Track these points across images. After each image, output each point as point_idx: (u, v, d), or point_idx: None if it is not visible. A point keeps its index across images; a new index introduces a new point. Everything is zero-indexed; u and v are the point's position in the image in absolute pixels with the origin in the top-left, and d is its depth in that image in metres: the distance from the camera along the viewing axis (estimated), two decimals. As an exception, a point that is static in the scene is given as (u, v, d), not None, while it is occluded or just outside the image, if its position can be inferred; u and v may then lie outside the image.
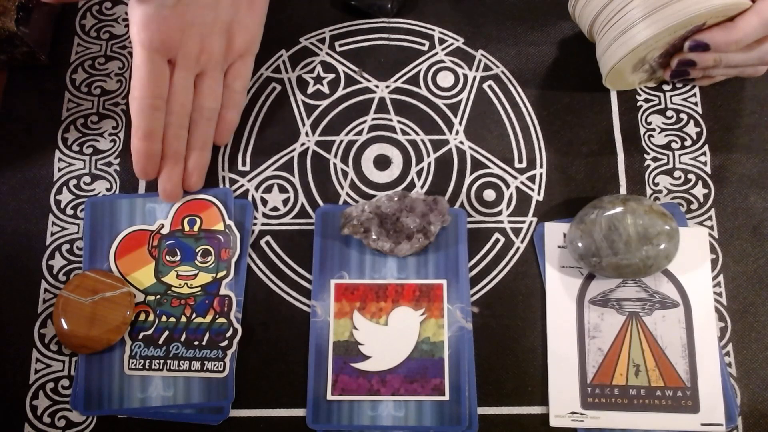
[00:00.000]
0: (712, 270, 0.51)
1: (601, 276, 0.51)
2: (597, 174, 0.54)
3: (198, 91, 0.52)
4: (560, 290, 0.51)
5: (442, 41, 0.58)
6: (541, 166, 0.54)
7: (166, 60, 0.50)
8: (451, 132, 0.55)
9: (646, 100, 0.56)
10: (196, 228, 0.52)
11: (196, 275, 0.51)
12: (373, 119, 0.56)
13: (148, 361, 0.50)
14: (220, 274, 0.51)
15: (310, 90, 0.57)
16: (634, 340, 0.50)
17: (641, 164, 0.54)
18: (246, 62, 0.54)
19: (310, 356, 0.50)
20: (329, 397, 0.49)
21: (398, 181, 0.54)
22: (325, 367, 0.50)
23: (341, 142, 0.55)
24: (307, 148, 0.55)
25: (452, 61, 0.57)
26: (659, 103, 0.56)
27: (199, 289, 0.51)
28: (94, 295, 0.49)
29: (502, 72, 0.57)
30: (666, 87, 0.56)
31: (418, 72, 0.57)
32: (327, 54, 0.58)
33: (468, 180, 0.54)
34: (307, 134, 0.55)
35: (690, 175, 0.54)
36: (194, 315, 0.50)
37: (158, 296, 0.51)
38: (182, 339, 0.50)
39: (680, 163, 0.54)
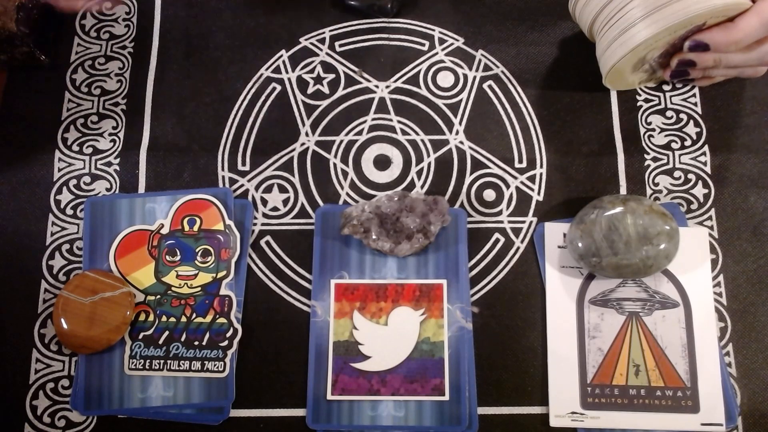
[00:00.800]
0: (712, 270, 0.51)
1: (601, 276, 0.51)
2: (597, 174, 0.54)
3: None
4: (560, 290, 0.51)
5: (442, 41, 0.58)
6: (541, 166, 0.54)
7: None
8: (451, 132, 0.55)
9: (646, 100, 0.56)
10: (196, 228, 0.52)
11: (196, 275, 0.51)
12: (373, 119, 0.56)
13: (148, 361, 0.50)
14: (220, 274, 0.51)
15: (310, 90, 0.57)
16: (634, 340, 0.50)
17: (641, 164, 0.54)
18: None
19: (310, 356, 0.50)
20: (329, 397, 0.49)
21: (398, 181, 0.54)
22: (325, 367, 0.50)
23: (341, 142, 0.55)
24: (307, 148, 0.55)
25: (452, 61, 0.57)
26: (659, 104, 0.56)
27: (199, 289, 0.51)
28: (94, 295, 0.49)
29: (502, 72, 0.57)
30: (666, 87, 0.56)
31: (418, 72, 0.57)
32: (327, 54, 0.58)
33: (468, 180, 0.54)
34: (307, 134, 0.55)
35: (690, 175, 0.54)
36: (194, 315, 0.50)
37: (158, 296, 0.51)
38: (182, 339, 0.50)
39: (680, 163, 0.54)
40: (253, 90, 0.57)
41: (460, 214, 0.53)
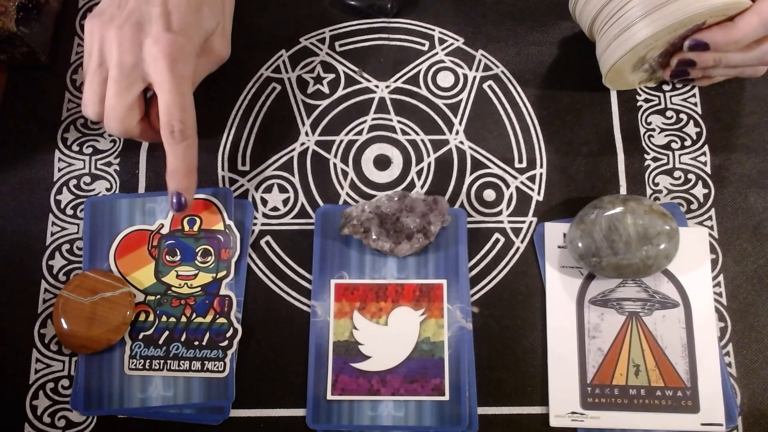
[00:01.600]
0: (712, 270, 0.51)
1: (601, 276, 0.51)
2: (597, 174, 0.54)
3: None
4: (560, 290, 0.51)
5: (442, 41, 0.58)
6: (541, 166, 0.54)
7: None
8: (451, 132, 0.55)
9: (646, 100, 0.56)
10: (195, 228, 0.52)
11: (196, 275, 0.51)
12: (373, 119, 0.56)
13: (148, 361, 0.50)
14: (220, 274, 0.51)
15: (310, 90, 0.57)
16: (634, 340, 0.50)
17: (641, 164, 0.54)
18: None
19: (310, 356, 0.50)
20: (329, 397, 0.49)
21: (398, 181, 0.54)
22: (325, 367, 0.50)
23: (341, 142, 0.55)
24: (307, 148, 0.55)
25: (452, 61, 0.57)
26: (659, 103, 0.56)
27: (199, 289, 0.51)
28: (94, 295, 0.49)
29: (502, 72, 0.57)
30: (666, 87, 0.56)
31: (418, 72, 0.57)
32: (327, 54, 0.58)
33: (468, 180, 0.54)
34: (307, 134, 0.55)
35: (690, 175, 0.54)
36: (194, 315, 0.50)
37: (158, 296, 0.51)
38: (182, 339, 0.50)
39: (680, 163, 0.54)
40: (253, 90, 0.57)
41: (460, 214, 0.53)
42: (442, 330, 0.50)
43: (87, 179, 0.54)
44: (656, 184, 0.54)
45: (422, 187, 0.54)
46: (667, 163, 0.54)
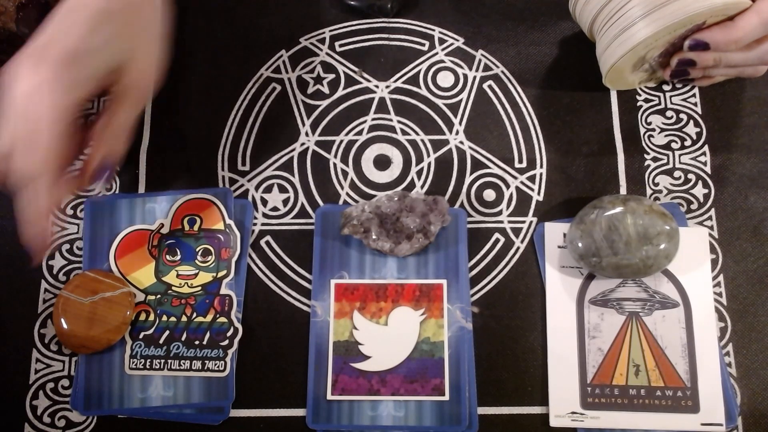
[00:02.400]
0: (712, 270, 0.51)
1: (601, 276, 0.51)
2: (597, 174, 0.54)
3: None
4: (560, 290, 0.51)
5: (442, 41, 0.58)
6: (541, 166, 0.54)
7: None
8: (451, 132, 0.55)
9: (646, 100, 0.56)
10: (196, 227, 0.52)
11: (196, 275, 0.51)
12: (373, 119, 0.56)
13: (148, 360, 0.50)
14: (220, 274, 0.51)
15: (310, 90, 0.57)
16: (634, 340, 0.50)
17: (641, 164, 0.54)
18: None
19: (310, 356, 0.50)
20: (329, 397, 0.49)
21: (398, 181, 0.54)
22: (325, 367, 0.50)
23: (341, 142, 0.55)
24: (307, 148, 0.55)
25: (452, 61, 0.57)
26: (659, 103, 0.56)
27: (199, 288, 0.51)
28: (94, 295, 0.49)
29: (502, 72, 0.57)
30: (666, 87, 0.56)
31: (418, 72, 0.57)
32: (327, 54, 0.58)
33: (468, 180, 0.54)
34: (307, 134, 0.55)
35: (690, 175, 0.54)
36: (195, 314, 0.50)
37: (158, 296, 0.51)
38: (183, 338, 0.50)
39: (680, 163, 0.54)
40: (253, 90, 0.57)
41: (460, 214, 0.53)
42: (442, 330, 0.50)
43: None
44: (656, 184, 0.54)
45: (422, 187, 0.54)
46: (667, 163, 0.54)
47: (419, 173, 0.54)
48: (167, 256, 0.52)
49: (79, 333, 0.49)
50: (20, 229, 0.44)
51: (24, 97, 0.41)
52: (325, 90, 0.57)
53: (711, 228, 0.52)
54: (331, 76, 0.57)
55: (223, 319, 0.50)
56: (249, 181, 0.54)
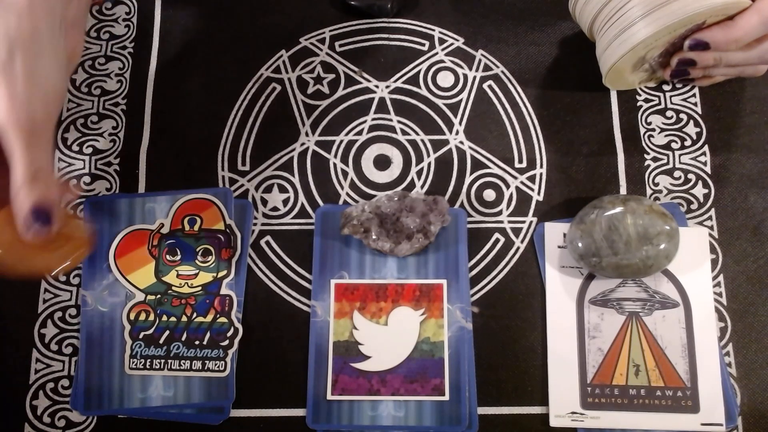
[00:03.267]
0: (712, 270, 0.51)
1: (601, 276, 0.51)
2: (597, 174, 0.54)
3: None
4: (560, 290, 0.51)
5: (442, 41, 0.58)
6: (541, 166, 0.54)
7: None
8: (451, 132, 0.55)
9: (646, 100, 0.56)
10: (196, 227, 0.52)
11: (196, 275, 0.51)
12: (373, 119, 0.56)
13: (148, 360, 0.50)
14: (220, 274, 0.51)
15: (310, 90, 0.57)
16: (634, 340, 0.50)
17: (641, 164, 0.54)
18: None
19: (310, 356, 0.50)
20: (329, 397, 0.49)
21: (398, 181, 0.54)
22: (325, 367, 0.50)
23: (341, 142, 0.55)
24: (307, 148, 0.55)
25: (452, 61, 0.57)
26: (659, 103, 0.56)
27: (199, 288, 0.51)
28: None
29: (502, 72, 0.57)
30: (666, 87, 0.56)
31: (418, 72, 0.57)
32: (327, 54, 0.58)
33: (468, 180, 0.54)
34: (307, 134, 0.55)
35: (690, 175, 0.54)
36: (195, 314, 0.50)
37: (159, 296, 0.51)
38: (183, 338, 0.50)
39: (680, 163, 0.54)
40: (253, 90, 0.57)
41: (460, 214, 0.53)
42: (442, 330, 0.50)
43: (87, 179, 0.54)
44: (656, 184, 0.54)
45: (422, 187, 0.54)
46: (667, 163, 0.54)
47: (419, 173, 0.54)
48: (167, 256, 0.52)
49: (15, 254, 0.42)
50: None
51: None
52: (325, 90, 0.57)
53: (711, 228, 0.52)
54: (331, 76, 0.57)
55: (223, 319, 0.50)
56: (249, 181, 0.54)
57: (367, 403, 0.49)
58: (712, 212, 0.53)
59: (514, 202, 0.54)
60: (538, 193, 0.54)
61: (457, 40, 0.58)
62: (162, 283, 0.51)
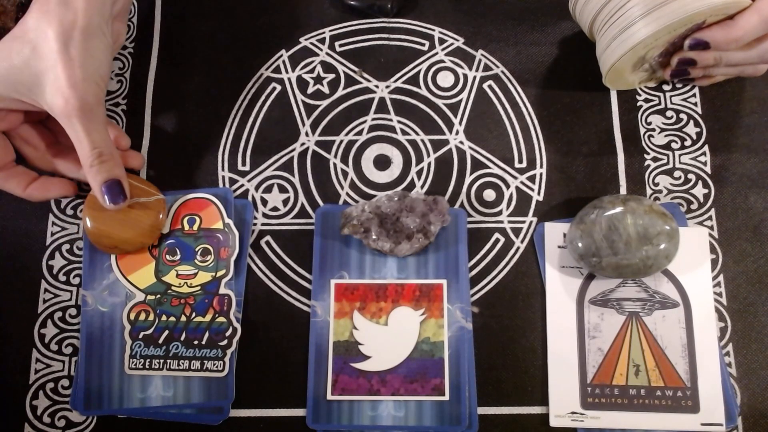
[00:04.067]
0: (712, 270, 0.51)
1: (601, 276, 0.51)
2: (597, 174, 0.54)
3: None
4: (560, 290, 0.51)
5: (442, 41, 0.58)
6: (541, 166, 0.54)
7: None
8: (451, 132, 0.55)
9: (646, 100, 0.56)
10: (195, 227, 0.52)
11: (195, 274, 0.51)
12: (373, 119, 0.56)
13: (148, 360, 0.50)
14: (219, 273, 0.51)
15: (310, 90, 0.57)
16: (634, 340, 0.50)
17: (641, 164, 0.54)
18: None
19: (310, 356, 0.50)
20: (329, 397, 0.49)
21: (398, 181, 0.54)
22: (325, 367, 0.50)
23: (341, 142, 0.55)
24: (307, 148, 0.55)
25: (452, 61, 0.57)
26: (659, 103, 0.56)
27: (198, 288, 0.51)
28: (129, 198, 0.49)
29: (502, 72, 0.57)
30: (666, 87, 0.56)
31: (418, 72, 0.57)
32: (327, 54, 0.58)
33: (468, 180, 0.54)
34: (307, 134, 0.55)
35: (690, 175, 0.54)
36: (194, 314, 0.50)
37: (158, 295, 0.51)
38: (182, 338, 0.50)
39: (680, 163, 0.54)
40: (253, 90, 0.57)
41: (460, 214, 0.53)
42: (442, 330, 0.50)
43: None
44: (656, 184, 0.53)
45: (422, 187, 0.54)
46: (667, 163, 0.54)
47: (419, 173, 0.54)
48: (167, 256, 0.52)
49: (112, 234, 0.49)
50: None
51: None
52: (325, 90, 0.57)
53: (711, 228, 0.52)
54: (331, 76, 0.57)
55: (222, 319, 0.50)
56: (249, 181, 0.54)
57: (367, 403, 0.49)
58: (712, 212, 0.53)
59: (514, 202, 0.53)
60: (538, 193, 0.54)
61: (457, 40, 0.58)
62: (162, 283, 0.51)
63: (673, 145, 0.54)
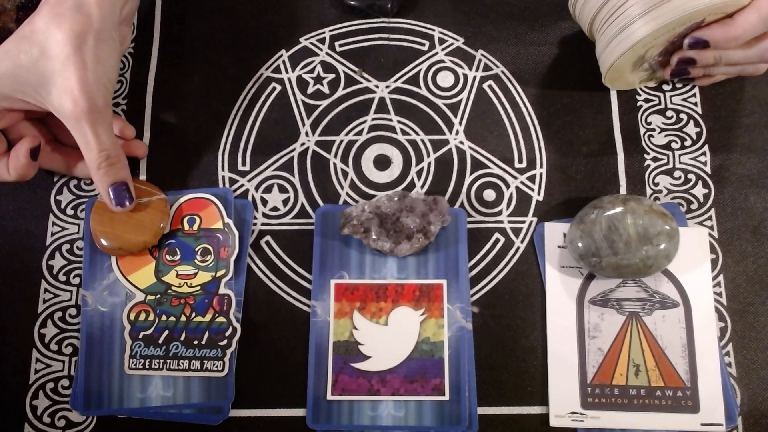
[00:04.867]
0: (712, 270, 0.51)
1: (601, 276, 0.51)
2: (597, 174, 0.54)
3: None
4: (560, 290, 0.51)
5: (442, 41, 0.58)
6: (541, 166, 0.54)
7: None
8: (451, 132, 0.55)
9: (646, 100, 0.56)
10: (195, 227, 0.52)
11: (195, 274, 0.51)
12: (373, 119, 0.56)
13: (147, 360, 0.50)
14: (219, 273, 0.51)
15: (310, 90, 0.57)
16: (634, 340, 0.50)
17: (641, 164, 0.54)
18: None
19: (310, 356, 0.50)
20: (329, 397, 0.49)
21: (398, 181, 0.54)
22: (325, 367, 0.50)
23: (341, 142, 0.55)
24: (307, 148, 0.55)
25: (452, 61, 0.57)
26: (659, 103, 0.56)
27: (198, 288, 0.51)
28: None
29: (502, 72, 0.57)
30: (666, 87, 0.56)
31: (418, 72, 0.57)
32: (327, 54, 0.58)
33: (468, 180, 0.54)
34: (307, 134, 0.55)
35: (690, 175, 0.54)
36: (194, 314, 0.50)
37: (158, 295, 0.51)
38: (182, 338, 0.50)
39: (680, 163, 0.54)
40: (253, 90, 0.57)
41: (460, 214, 0.53)
42: (442, 330, 0.50)
43: (87, 179, 0.54)
44: (656, 184, 0.53)
45: (422, 187, 0.54)
46: (667, 163, 0.54)
47: (419, 173, 0.54)
48: (167, 256, 0.52)
49: (117, 236, 0.50)
50: None
51: None
52: (325, 90, 0.57)
53: (711, 228, 0.52)
54: (331, 76, 0.57)
55: (221, 319, 0.50)
56: (249, 181, 0.54)
57: (367, 403, 0.49)
58: (712, 212, 0.53)
59: (514, 202, 0.53)
60: (538, 193, 0.54)
61: (457, 40, 0.58)
62: (162, 283, 0.51)
63: (673, 145, 0.54)
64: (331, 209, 0.53)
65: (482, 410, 0.49)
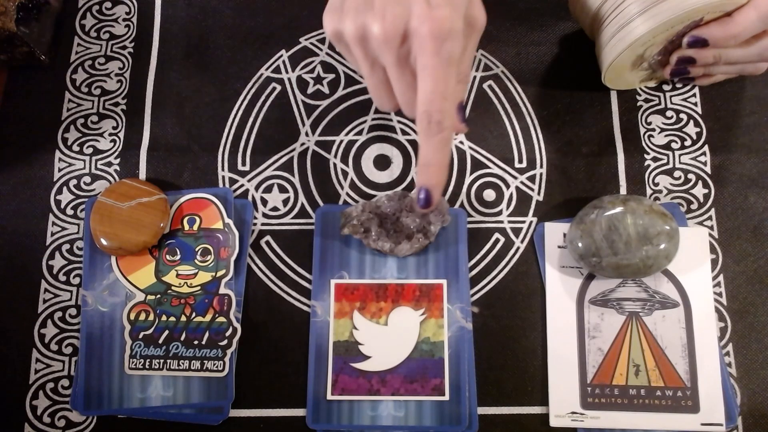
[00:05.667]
0: (712, 270, 0.51)
1: (601, 276, 0.51)
2: (597, 174, 0.54)
3: None
4: (560, 290, 0.51)
5: (442, 41, 0.58)
6: (541, 166, 0.54)
7: None
8: (451, 132, 0.55)
9: (646, 100, 0.56)
10: (195, 227, 0.52)
11: (195, 274, 0.51)
12: (373, 119, 0.56)
13: (148, 360, 0.50)
14: (219, 273, 0.51)
15: (310, 90, 0.57)
16: (634, 340, 0.50)
17: (641, 164, 0.54)
18: None
19: (310, 356, 0.50)
20: (329, 397, 0.49)
21: (398, 181, 0.54)
22: (325, 367, 0.50)
23: (341, 142, 0.55)
24: (307, 148, 0.55)
25: (452, 61, 0.57)
26: (659, 103, 0.56)
27: (198, 288, 0.51)
28: (131, 200, 0.51)
29: (502, 72, 0.57)
30: (666, 87, 0.56)
31: (418, 72, 0.57)
32: (327, 54, 0.58)
33: (468, 180, 0.54)
34: (307, 134, 0.55)
35: (690, 175, 0.54)
36: (194, 314, 0.50)
37: (158, 295, 0.51)
38: (182, 338, 0.50)
39: (680, 163, 0.54)
40: (253, 90, 0.57)
41: (460, 214, 0.53)
42: (442, 330, 0.50)
43: (87, 179, 0.54)
44: (656, 184, 0.53)
45: (422, 187, 0.54)
46: (667, 163, 0.54)
47: (419, 173, 0.54)
48: (167, 256, 0.52)
49: (117, 236, 0.50)
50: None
51: None
52: (325, 90, 0.57)
53: (711, 228, 0.52)
54: (331, 76, 0.57)
55: (222, 319, 0.50)
56: (249, 181, 0.54)
57: (367, 403, 0.49)
58: (712, 212, 0.53)
59: (514, 202, 0.53)
60: (538, 193, 0.54)
61: (457, 40, 0.58)
62: (162, 283, 0.51)
63: (673, 145, 0.54)
64: (331, 209, 0.53)
65: (482, 410, 0.49)
